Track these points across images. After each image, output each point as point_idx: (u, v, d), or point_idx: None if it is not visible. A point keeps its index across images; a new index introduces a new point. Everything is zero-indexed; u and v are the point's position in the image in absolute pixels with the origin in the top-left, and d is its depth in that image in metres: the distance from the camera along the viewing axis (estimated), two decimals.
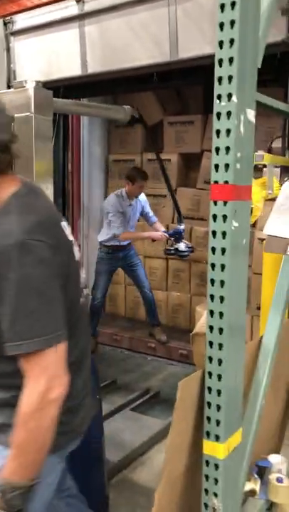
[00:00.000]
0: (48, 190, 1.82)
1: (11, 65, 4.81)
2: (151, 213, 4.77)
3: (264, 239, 4.18)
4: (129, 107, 4.07)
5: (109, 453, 2.72)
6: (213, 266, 1.44)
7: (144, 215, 4.78)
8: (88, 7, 4.14)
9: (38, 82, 1.73)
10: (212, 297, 1.50)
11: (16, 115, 1.76)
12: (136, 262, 4.67)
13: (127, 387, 3.85)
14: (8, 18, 4.70)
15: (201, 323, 4.21)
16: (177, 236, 4.43)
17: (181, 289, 5.06)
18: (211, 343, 1.55)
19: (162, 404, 3.55)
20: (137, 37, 3.93)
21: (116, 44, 4.05)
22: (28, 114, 1.69)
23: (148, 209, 4.78)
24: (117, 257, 4.63)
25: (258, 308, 4.21)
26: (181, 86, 5.08)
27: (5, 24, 4.77)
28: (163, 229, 4.68)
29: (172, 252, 4.41)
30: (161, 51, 3.81)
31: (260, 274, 4.20)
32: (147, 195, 5.31)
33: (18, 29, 4.66)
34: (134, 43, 3.95)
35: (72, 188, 5.15)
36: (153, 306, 4.74)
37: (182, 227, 4.46)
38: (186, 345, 4.50)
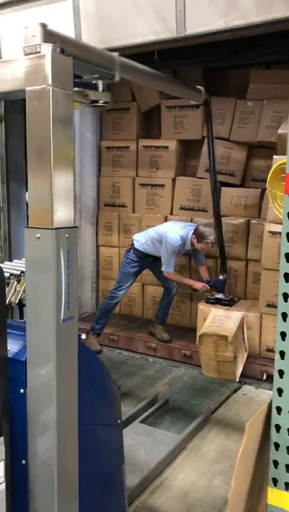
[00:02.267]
0: (69, 180, 1.48)
1: None
2: (202, 253, 4.45)
3: (276, 232, 3.94)
4: (203, 89, 3.71)
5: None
6: None
7: (194, 254, 4.48)
8: None
9: (56, 47, 1.38)
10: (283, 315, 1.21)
11: (27, 88, 1.41)
12: (158, 263, 4.37)
13: (132, 393, 3.56)
14: None
15: (209, 323, 3.95)
16: (219, 286, 4.34)
17: (181, 285, 4.76)
18: (281, 372, 1.26)
19: (172, 413, 3.27)
20: (138, 10, 3.56)
21: (114, 18, 3.67)
22: (44, 86, 1.34)
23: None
24: (147, 259, 4.36)
25: (269, 305, 3.98)
26: (180, 66, 4.73)
27: None
28: (207, 277, 4.44)
29: (213, 301, 4.27)
30: (166, 26, 3.46)
31: (270, 269, 3.99)
32: (144, 185, 4.99)
33: (3, 1, 4.24)
34: (135, 17, 3.58)
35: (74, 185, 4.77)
36: (169, 306, 4.55)
37: (223, 277, 4.36)
38: (189, 345, 4.24)
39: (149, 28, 3.52)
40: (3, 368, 1.54)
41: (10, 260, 4.07)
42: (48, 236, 1.43)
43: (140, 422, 3.02)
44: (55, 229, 1.43)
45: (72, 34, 3.85)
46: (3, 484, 1.53)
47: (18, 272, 3.72)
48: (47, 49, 1.39)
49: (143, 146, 4.96)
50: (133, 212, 5.05)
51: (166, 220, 4.77)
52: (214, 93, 4.70)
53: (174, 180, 4.83)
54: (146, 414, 3.12)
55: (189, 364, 4.12)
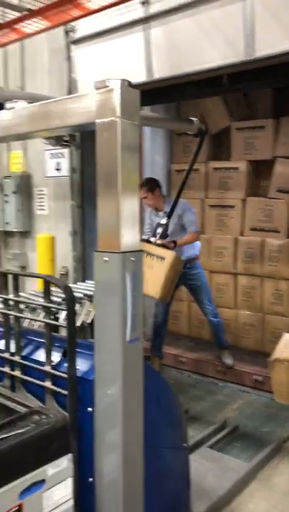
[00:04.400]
0: (135, 206, 1.54)
1: (72, 75, 4.66)
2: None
3: None
4: (197, 120, 3.76)
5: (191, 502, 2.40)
6: None
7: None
8: (154, 9, 3.89)
9: (124, 80, 1.45)
10: None
11: (97, 121, 1.49)
12: (197, 284, 4.25)
13: (201, 418, 3.51)
14: (70, 26, 4.55)
15: (281, 348, 3.82)
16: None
17: (252, 307, 4.67)
18: None
19: (241, 440, 3.19)
20: (206, 37, 3.64)
21: (183, 46, 3.77)
22: (112, 118, 1.41)
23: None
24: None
25: None
26: (249, 88, 4.73)
27: (66, 33, 4.63)
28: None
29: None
30: (234, 50, 3.49)
31: None
32: (213, 206, 4.99)
33: (79, 37, 4.51)
34: (204, 44, 3.65)
35: None
36: (217, 331, 4.34)
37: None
38: (261, 370, 4.11)
39: (218, 53, 3.57)
40: (72, 386, 1.60)
41: (83, 281, 4.23)
42: (115, 259, 1.49)
43: (208, 447, 2.97)
44: (121, 253, 1.49)
45: (143, 63, 4.01)
46: (71, 501, 1.58)
47: (91, 293, 3.86)
48: (115, 83, 1.46)
49: (213, 168, 4.97)
50: (202, 233, 5.05)
51: (236, 242, 4.73)
52: (286, 113, 4.65)
53: (244, 200, 4.78)
54: (215, 439, 3.06)
55: (261, 390, 3.99)
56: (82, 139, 4.69)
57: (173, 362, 4.59)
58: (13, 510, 1.39)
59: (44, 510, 1.49)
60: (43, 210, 5.19)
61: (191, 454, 2.81)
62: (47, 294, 1.69)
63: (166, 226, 3.90)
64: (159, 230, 3.91)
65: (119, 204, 1.48)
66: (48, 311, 1.70)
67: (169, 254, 3.72)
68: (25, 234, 5.42)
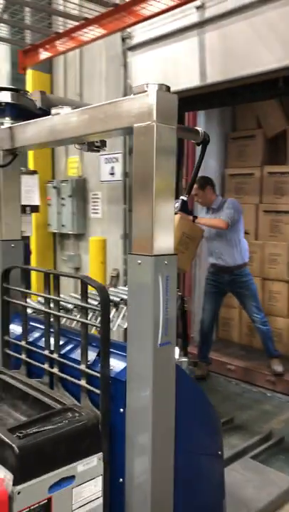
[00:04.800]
0: (169, 211, 1.54)
1: (128, 81, 4.74)
2: None
3: None
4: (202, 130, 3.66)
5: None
6: None
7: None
8: (209, 13, 3.89)
9: (161, 85, 1.46)
10: None
11: (135, 125, 1.51)
12: (245, 292, 4.17)
13: (246, 427, 3.44)
14: (126, 33, 4.64)
15: None
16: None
17: None
18: None
19: (286, 453, 3.08)
20: (261, 40, 3.58)
21: (238, 49, 3.73)
22: (149, 122, 1.43)
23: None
24: (221, 278, 4.23)
25: None
26: None
27: (123, 40, 4.73)
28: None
29: None
30: None
31: None
32: (267, 212, 4.88)
33: (135, 43, 4.58)
34: (259, 47, 3.60)
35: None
36: (266, 339, 4.23)
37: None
38: None
39: (273, 55, 3.50)
40: (105, 386, 1.63)
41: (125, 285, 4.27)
42: (148, 262, 1.50)
43: (251, 457, 2.90)
44: (154, 256, 1.49)
45: (197, 68, 4.01)
46: (101, 499, 1.60)
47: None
48: (153, 88, 1.48)
49: (268, 173, 4.87)
50: (256, 239, 4.95)
51: None
52: None
53: None
54: (258, 450, 2.99)
55: None
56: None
57: (221, 369, 4.53)
58: (42, 503, 1.43)
59: (73, 506, 1.52)
60: (97, 213, 5.31)
61: (232, 464, 2.78)
62: (84, 294, 1.73)
63: (182, 201, 3.72)
64: (177, 205, 3.74)
65: (153, 208, 1.49)
66: (84, 311, 1.74)
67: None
68: (80, 236, 5.56)
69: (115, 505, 1.66)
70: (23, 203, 4.43)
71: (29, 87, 5.57)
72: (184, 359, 4.44)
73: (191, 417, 1.77)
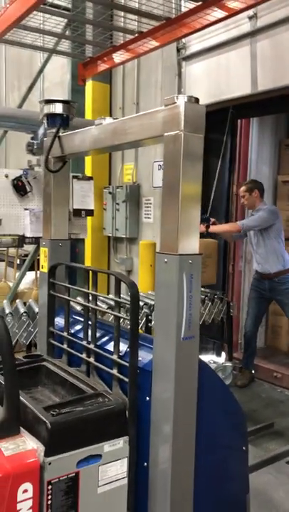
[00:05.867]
0: (195, 214, 1.65)
1: (182, 90, 4.88)
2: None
3: None
4: None
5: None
6: None
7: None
8: (261, 22, 3.96)
9: (190, 97, 1.58)
10: None
11: (165, 134, 1.64)
12: (284, 300, 4.15)
13: (285, 433, 3.43)
14: (182, 43, 4.79)
15: None
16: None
17: None
18: None
19: None
20: None
21: (288, 57, 3.77)
22: (177, 131, 1.55)
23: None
24: (263, 285, 4.24)
25: None
26: None
27: (178, 50, 4.88)
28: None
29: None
30: None
31: None
32: None
33: (189, 54, 4.72)
34: None
35: (236, 210, 4.93)
36: None
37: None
38: None
39: None
40: (133, 375, 1.76)
41: None
42: (173, 261, 1.62)
43: (287, 462, 2.91)
44: (179, 255, 1.61)
45: (248, 75, 4.07)
46: (125, 480, 1.72)
47: None
48: (181, 99, 1.60)
49: None
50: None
51: None
52: None
53: None
54: None
55: None
56: None
57: (267, 376, 4.52)
58: (71, 476, 1.58)
59: (99, 483, 1.65)
60: (149, 218, 5.48)
61: (267, 467, 2.82)
62: (117, 289, 1.87)
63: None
64: None
65: (179, 211, 1.60)
66: (117, 305, 1.88)
67: None
68: (133, 240, 5.75)
69: (140, 487, 1.78)
70: (78, 207, 4.69)
71: (89, 96, 5.86)
72: (228, 364, 4.50)
73: (214, 411, 1.86)
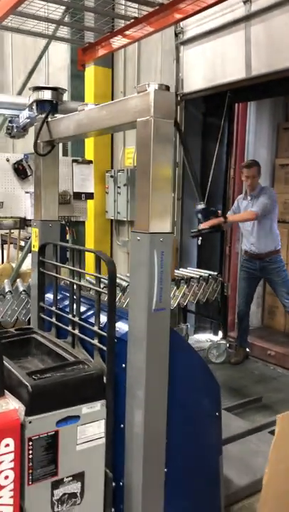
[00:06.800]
0: (166, 195, 1.77)
1: (179, 74, 4.94)
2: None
3: None
4: None
5: (236, 475, 2.56)
6: None
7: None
8: (255, 6, 3.99)
9: (161, 85, 1.69)
10: None
11: (138, 120, 1.76)
12: (275, 278, 4.27)
13: (272, 407, 3.58)
14: (180, 28, 4.84)
15: None
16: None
17: None
18: None
19: None
20: None
21: (282, 42, 3.81)
22: (148, 117, 1.67)
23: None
24: (254, 265, 4.36)
25: None
26: None
27: (176, 35, 4.92)
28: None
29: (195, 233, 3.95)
30: None
31: None
32: None
33: (187, 38, 4.76)
34: None
35: (234, 194, 5.02)
36: None
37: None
38: None
39: None
40: (110, 344, 1.90)
41: (177, 269, 4.51)
42: (145, 239, 1.75)
43: (269, 432, 3.05)
44: (150, 233, 1.74)
45: (242, 60, 4.12)
46: (103, 439, 1.88)
47: (179, 279, 4.13)
48: (151, 87, 1.71)
49: None
50: None
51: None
52: None
53: None
54: None
55: None
56: (185, 134, 4.96)
57: (261, 354, 4.65)
58: (50, 434, 1.74)
59: (78, 441, 1.81)
60: None
61: (249, 436, 2.96)
62: (97, 265, 2.01)
63: (203, 210, 3.87)
64: (200, 216, 3.89)
65: (150, 192, 1.72)
66: (97, 280, 2.02)
67: None
68: (134, 223, 5.86)
69: (118, 447, 1.93)
70: (78, 190, 4.80)
71: (91, 81, 5.94)
72: (223, 342, 4.64)
73: (186, 379, 2.00)
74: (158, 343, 1.82)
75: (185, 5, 3.55)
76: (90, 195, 4.94)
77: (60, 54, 6.55)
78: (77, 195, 4.60)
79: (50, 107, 2.43)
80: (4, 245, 6.34)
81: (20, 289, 3.65)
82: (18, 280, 3.96)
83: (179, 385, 1.92)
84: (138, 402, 1.85)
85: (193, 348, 2.05)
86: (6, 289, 3.64)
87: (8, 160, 4.16)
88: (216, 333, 5.15)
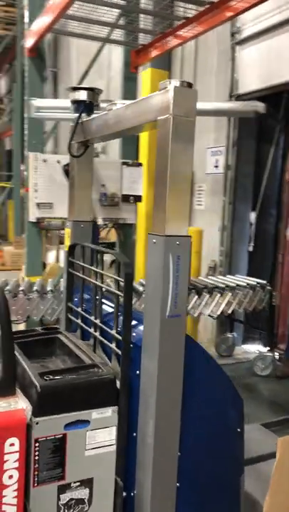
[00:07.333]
0: (183, 197, 1.69)
1: (234, 75, 4.80)
2: None
3: None
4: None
5: (262, 497, 2.41)
6: None
7: None
8: None
9: (183, 82, 1.62)
10: None
11: (158, 118, 1.70)
12: None
13: None
14: (236, 28, 4.71)
15: None
16: None
17: None
18: None
19: None
20: None
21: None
22: (167, 115, 1.60)
23: None
24: None
25: None
26: None
27: (232, 35, 4.79)
28: None
29: None
30: None
31: None
32: None
33: (242, 38, 4.62)
34: None
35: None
36: None
37: None
38: None
39: None
40: (126, 349, 1.84)
41: (225, 275, 4.38)
42: (161, 242, 1.67)
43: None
44: (166, 236, 1.66)
45: None
46: (114, 447, 1.83)
47: (223, 286, 4.01)
48: (172, 84, 1.64)
49: None
50: None
51: None
52: None
53: None
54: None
55: None
56: (238, 137, 4.81)
57: None
58: (58, 436, 1.71)
59: (86, 446, 1.77)
60: (200, 205, 5.47)
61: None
62: (116, 267, 1.96)
63: None
64: None
65: (167, 193, 1.65)
66: (116, 282, 1.97)
67: None
68: None
69: (130, 455, 1.87)
70: (127, 192, 4.80)
71: (147, 84, 5.92)
72: (269, 354, 4.44)
73: (206, 391, 1.89)
74: (172, 351, 1.74)
75: (235, 2, 3.44)
76: (138, 198, 4.92)
77: (119, 58, 6.60)
78: (126, 198, 4.59)
79: (83, 107, 2.42)
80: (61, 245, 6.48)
81: (62, 288, 3.69)
82: (49, 280, 4.02)
83: (196, 396, 1.83)
84: (150, 411, 1.77)
85: (215, 360, 1.94)
86: (48, 288, 3.70)
87: (58, 162, 4.23)
88: (265, 345, 4.93)
